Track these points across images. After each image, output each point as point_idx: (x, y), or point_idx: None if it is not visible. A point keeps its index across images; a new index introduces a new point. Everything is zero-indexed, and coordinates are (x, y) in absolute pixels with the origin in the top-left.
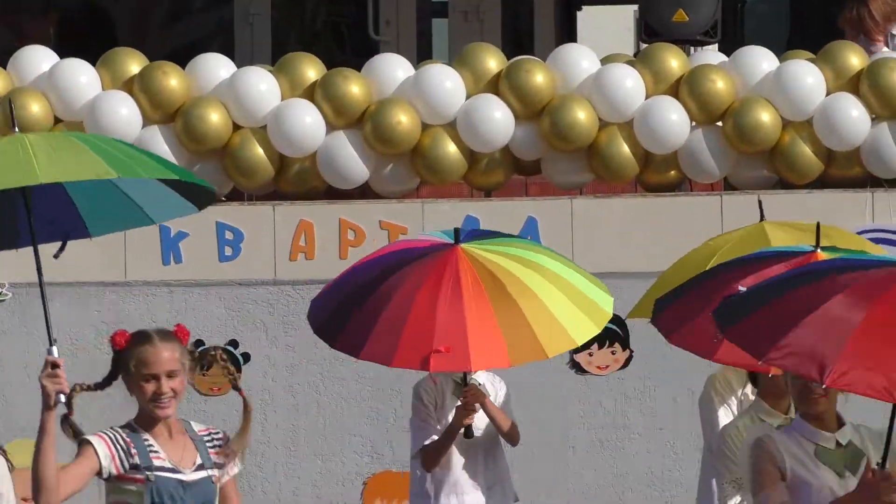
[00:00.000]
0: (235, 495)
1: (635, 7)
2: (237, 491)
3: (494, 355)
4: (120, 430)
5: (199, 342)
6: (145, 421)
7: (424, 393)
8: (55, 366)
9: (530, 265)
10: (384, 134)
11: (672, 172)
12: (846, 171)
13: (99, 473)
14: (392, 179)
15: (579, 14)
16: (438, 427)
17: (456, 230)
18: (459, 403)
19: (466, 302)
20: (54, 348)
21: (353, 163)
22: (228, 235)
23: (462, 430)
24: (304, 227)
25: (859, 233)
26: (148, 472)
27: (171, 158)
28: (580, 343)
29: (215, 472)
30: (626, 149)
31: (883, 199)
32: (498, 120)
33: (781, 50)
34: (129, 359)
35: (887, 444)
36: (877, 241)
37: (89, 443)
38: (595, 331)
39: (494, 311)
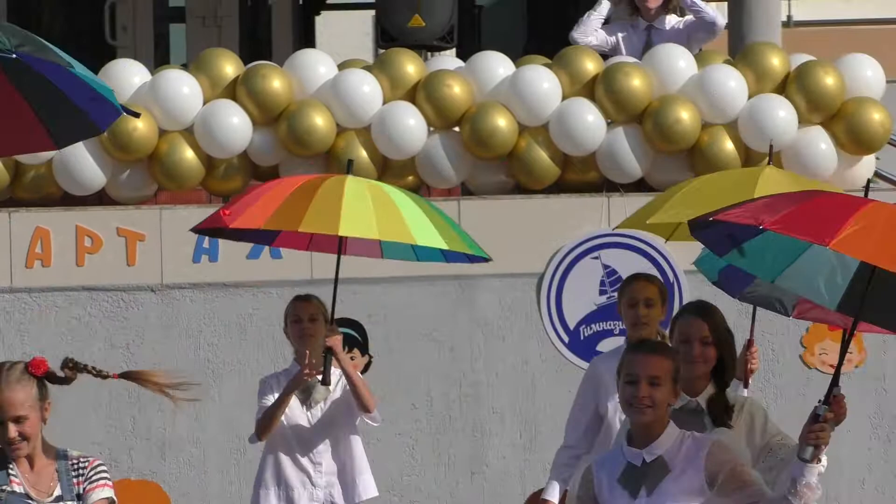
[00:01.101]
0: None
1: (374, 12)
2: None
3: (255, 217)
4: None
5: None
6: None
7: (271, 380)
8: None
9: (390, 191)
10: (121, 140)
11: (410, 178)
12: (582, 175)
13: None
14: (129, 186)
15: (318, 19)
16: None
17: (350, 161)
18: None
19: (289, 183)
20: None
21: (89, 169)
22: None
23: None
24: (41, 233)
25: (595, 237)
26: (1, 493)
27: None
28: (341, 232)
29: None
30: (364, 154)
31: (619, 203)
32: (236, 125)
33: (519, 55)
34: None
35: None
36: (611, 245)
37: None
38: (366, 233)
39: (307, 190)
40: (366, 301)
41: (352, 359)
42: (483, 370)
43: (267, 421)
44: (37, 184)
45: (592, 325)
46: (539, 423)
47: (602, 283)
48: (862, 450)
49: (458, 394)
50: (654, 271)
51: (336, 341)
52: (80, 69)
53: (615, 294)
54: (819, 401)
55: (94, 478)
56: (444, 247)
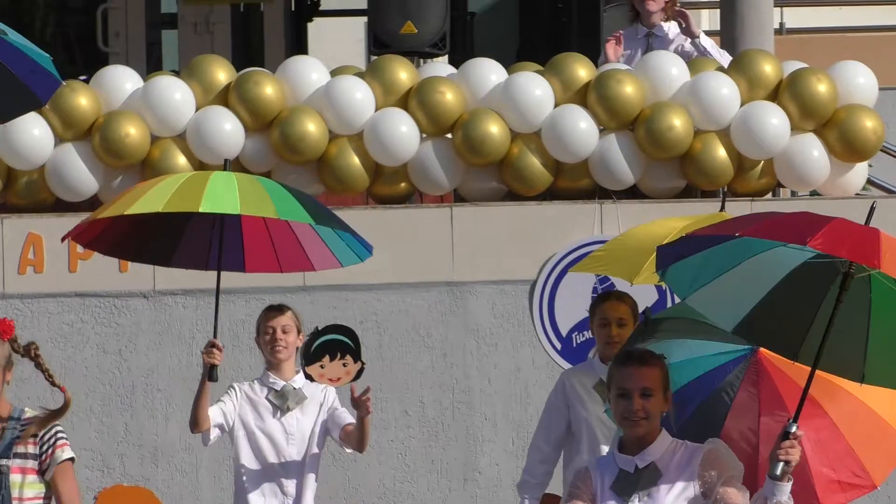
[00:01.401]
0: (62, 483)
1: (366, 19)
2: (67, 477)
3: (95, 213)
4: None
5: None
6: None
7: (235, 386)
8: None
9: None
10: (113, 146)
11: (402, 184)
12: (575, 182)
13: None
14: (121, 192)
15: (310, 26)
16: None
17: (226, 160)
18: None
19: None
20: None
21: (82, 175)
22: None
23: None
24: (33, 240)
25: (587, 244)
26: None
27: None
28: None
29: (13, 462)
30: (356, 160)
31: (611, 210)
32: (228, 132)
33: (512, 62)
34: None
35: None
36: None
37: None
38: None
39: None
40: (358, 307)
41: (344, 365)
42: (476, 377)
43: (191, 416)
44: (29, 190)
45: (585, 332)
46: (532, 430)
47: (594, 290)
48: None
49: (451, 400)
50: None
51: (214, 359)
52: (13, 36)
53: None
54: (788, 419)
55: (50, 441)
56: (235, 212)
